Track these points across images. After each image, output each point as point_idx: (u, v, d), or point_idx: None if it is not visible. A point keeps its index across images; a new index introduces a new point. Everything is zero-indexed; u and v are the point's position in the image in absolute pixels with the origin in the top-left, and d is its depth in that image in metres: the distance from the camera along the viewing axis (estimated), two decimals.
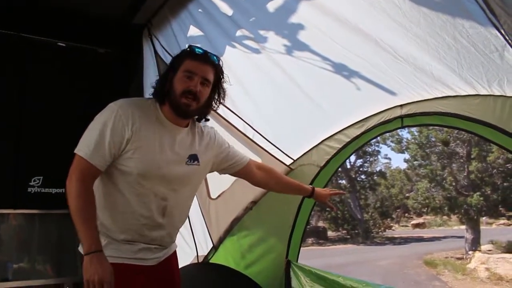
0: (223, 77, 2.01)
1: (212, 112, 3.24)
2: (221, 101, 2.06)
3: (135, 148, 1.83)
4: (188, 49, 1.97)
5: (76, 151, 1.82)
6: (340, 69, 2.83)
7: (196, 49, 1.94)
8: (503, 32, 1.91)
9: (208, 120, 2.11)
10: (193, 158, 2.00)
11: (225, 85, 2.04)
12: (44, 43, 2.97)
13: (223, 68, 2.01)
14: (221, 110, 3.30)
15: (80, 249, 1.89)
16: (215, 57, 1.96)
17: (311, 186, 2.57)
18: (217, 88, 2.00)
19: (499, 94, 2.44)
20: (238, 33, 2.90)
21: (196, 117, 2.04)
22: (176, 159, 1.93)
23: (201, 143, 2.06)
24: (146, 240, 1.93)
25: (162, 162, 1.88)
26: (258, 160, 3.46)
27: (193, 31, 2.97)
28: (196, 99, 1.88)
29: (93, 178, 1.83)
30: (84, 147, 1.81)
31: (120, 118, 1.81)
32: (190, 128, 2.02)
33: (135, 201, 1.87)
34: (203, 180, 2.19)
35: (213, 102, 2.02)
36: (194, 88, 1.86)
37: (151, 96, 1.98)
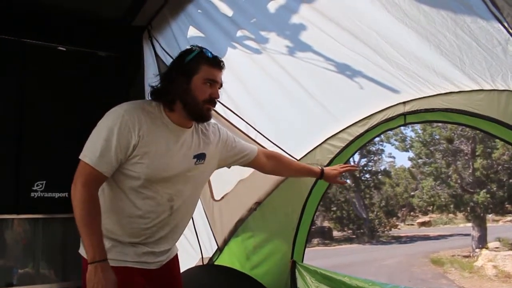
0: None
1: (214, 113, 3.27)
2: None
3: (143, 153, 1.80)
4: (201, 53, 1.93)
5: (81, 157, 1.78)
6: (343, 69, 2.82)
7: (211, 55, 1.94)
8: (506, 25, 1.89)
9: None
10: (200, 157, 2.00)
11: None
12: (45, 48, 2.97)
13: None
14: (223, 110, 3.30)
15: (81, 251, 1.89)
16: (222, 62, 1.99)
17: (319, 167, 2.60)
18: None
19: (503, 88, 2.42)
20: (239, 33, 2.89)
21: None
22: (183, 161, 1.93)
23: (206, 141, 2.05)
24: (151, 241, 1.92)
25: (170, 166, 1.87)
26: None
27: (193, 32, 2.97)
28: (215, 104, 1.95)
29: (99, 184, 1.81)
30: (89, 153, 1.77)
31: (126, 123, 1.77)
32: (194, 128, 2.01)
33: (141, 204, 1.86)
34: (209, 178, 2.19)
35: None
36: (216, 96, 1.92)
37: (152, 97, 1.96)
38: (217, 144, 2.12)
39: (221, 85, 1.96)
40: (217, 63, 1.93)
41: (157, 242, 1.94)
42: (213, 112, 3.28)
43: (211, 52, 1.95)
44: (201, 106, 1.87)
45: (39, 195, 2.82)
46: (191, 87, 1.86)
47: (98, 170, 1.76)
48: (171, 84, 1.89)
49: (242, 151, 2.27)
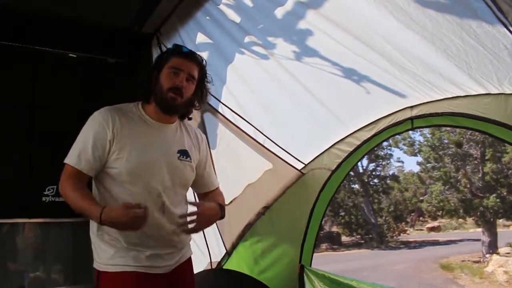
0: (206, 77, 2.07)
1: (222, 118, 3.31)
2: (204, 100, 2.11)
3: (119, 148, 1.88)
4: (174, 47, 2.05)
5: (64, 161, 1.90)
6: (350, 73, 2.84)
7: (182, 48, 2.02)
8: (511, 29, 1.90)
9: (191, 119, 2.16)
10: (185, 154, 2.04)
11: (208, 85, 2.09)
12: (56, 55, 3.01)
13: (206, 68, 2.07)
14: (231, 116, 3.32)
15: (95, 265, 1.92)
16: (200, 57, 2.02)
17: None
18: (200, 86, 2.05)
19: (510, 92, 2.43)
20: (247, 39, 2.92)
21: (181, 114, 2.08)
22: (164, 153, 1.96)
23: (190, 141, 2.10)
24: (153, 244, 1.91)
25: (149, 159, 1.91)
26: (270, 166, 3.48)
27: (202, 38, 3.00)
28: (181, 94, 1.93)
29: (82, 181, 1.89)
30: (70, 156, 1.90)
31: (100, 122, 1.90)
32: (178, 125, 2.08)
33: (130, 202, 1.84)
34: (191, 181, 2.15)
35: (196, 101, 2.07)
36: (180, 84, 1.92)
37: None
38: (198, 149, 2.14)
39: (192, 77, 1.97)
40: (185, 54, 1.98)
41: (159, 244, 1.92)
42: (221, 117, 3.33)
43: (186, 47, 2.04)
44: (165, 93, 1.92)
45: (50, 199, 2.85)
46: (159, 77, 1.96)
47: (78, 169, 1.87)
48: (148, 80, 1.99)
49: (208, 177, 2.23)
